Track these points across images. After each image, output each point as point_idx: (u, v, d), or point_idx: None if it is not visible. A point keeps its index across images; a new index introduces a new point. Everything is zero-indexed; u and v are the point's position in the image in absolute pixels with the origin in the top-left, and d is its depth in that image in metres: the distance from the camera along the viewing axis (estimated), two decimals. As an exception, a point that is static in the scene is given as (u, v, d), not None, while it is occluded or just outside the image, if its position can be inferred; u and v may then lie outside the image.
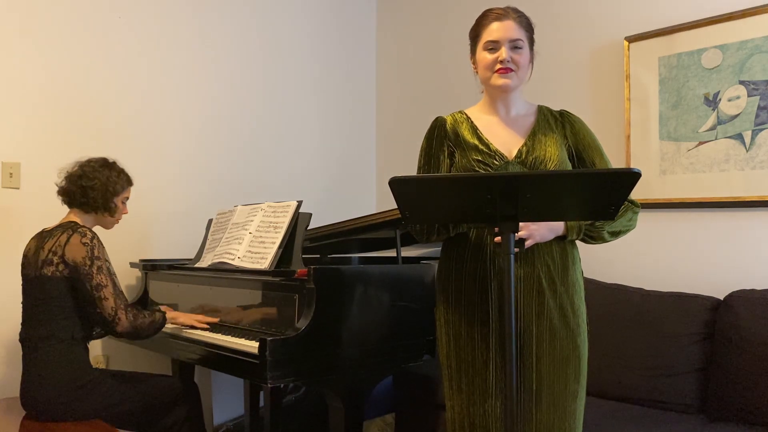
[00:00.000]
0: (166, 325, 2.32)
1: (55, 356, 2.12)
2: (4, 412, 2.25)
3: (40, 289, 2.16)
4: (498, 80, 1.74)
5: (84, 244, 2.15)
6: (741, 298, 2.32)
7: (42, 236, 2.23)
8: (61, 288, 2.15)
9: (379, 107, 4.10)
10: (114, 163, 2.37)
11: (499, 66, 1.72)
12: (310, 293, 2.08)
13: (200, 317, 2.44)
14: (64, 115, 2.81)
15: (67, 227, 2.20)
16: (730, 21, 2.58)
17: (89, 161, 2.33)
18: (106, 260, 2.19)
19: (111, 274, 2.18)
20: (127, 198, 2.40)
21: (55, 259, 2.14)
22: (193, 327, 2.40)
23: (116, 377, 2.28)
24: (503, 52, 1.71)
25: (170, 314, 2.38)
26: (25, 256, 2.26)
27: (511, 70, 1.73)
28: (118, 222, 2.40)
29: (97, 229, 2.36)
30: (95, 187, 2.27)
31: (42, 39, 2.75)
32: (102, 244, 2.20)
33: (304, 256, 2.40)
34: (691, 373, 2.37)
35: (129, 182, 2.40)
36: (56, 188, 2.32)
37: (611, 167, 1.83)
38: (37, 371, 2.11)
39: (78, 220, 2.28)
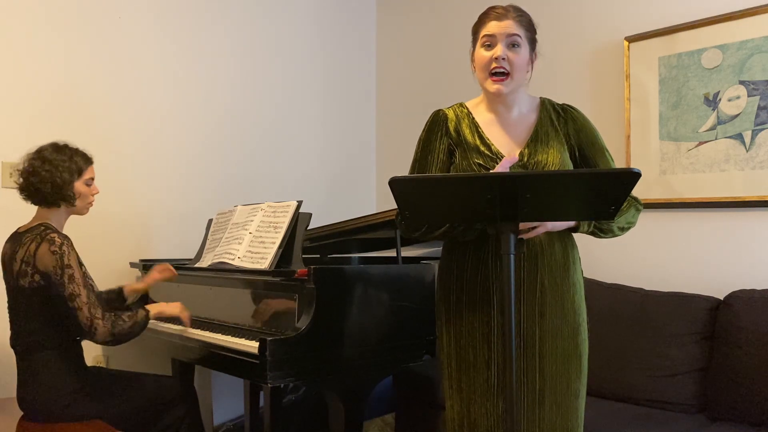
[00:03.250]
0: (154, 320, 2.25)
1: (46, 364, 2.08)
2: (2, 413, 2.25)
3: (19, 299, 2.11)
4: (492, 86, 1.71)
5: (53, 252, 2.04)
6: (741, 298, 2.32)
7: (15, 239, 2.14)
8: (39, 298, 2.08)
9: (379, 107, 4.10)
10: (65, 146, 2.17)
11: (494, 65, 1.68)
12: (310, 293, 2.08)
13: (185, 312, 2.36)
14: (65, 115, 2.81)
15: (36, 233, 2.09)
16: (730, 21, 2.58)
17: (38, 152, 2.15)
18: (80, 264, 2.09)
19: (85, 280, 2.07)
20: (92, 178, 2.21)
21: (29, 270, 2.06)
22: (179, 316, 2.33)
23: (114, 377, 2.28)
24: (498, 49, 1.68)
25: (154, 310, 2.24)
26: (2, 260, 2.17)
27: (506, 74, 1.69)
28: (91, 204, 2.24)
29: (82, 221, 2.26)
30: (45, 180, 2.10)
31: (42, 39, 2.75)
32: (72, 249, 2.08)
33: (304, 256, 2.40)
34: (691, 373, 2.37)
35: (86, 161, 2.20)
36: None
37: (614, 166, 1.82)
38: (31, 377, 2.09)
39: (48, 218, 2.17)
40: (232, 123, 3.39)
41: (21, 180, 2.16)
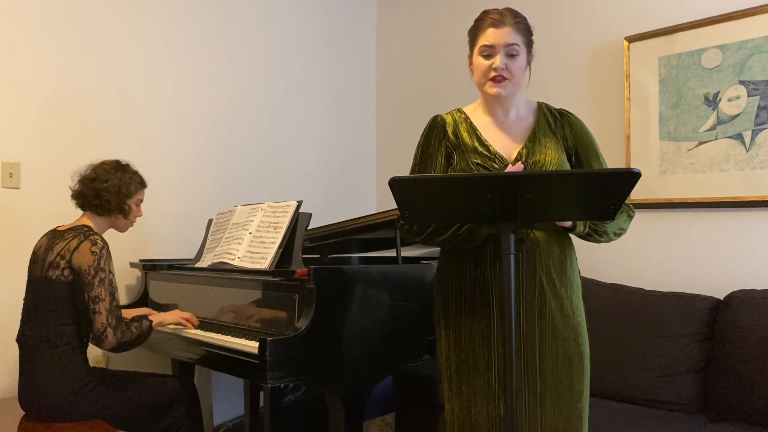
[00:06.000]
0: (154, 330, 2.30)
1: (51, 362, 2.10)
2: (3, 412, 2.25)
3: (41, 290, 2.15)
4: (491, 89, 1.72)
5: (93, 252, 2.13)
6: (741, 298, 2.32)
7: (54, 236, 2.21)
8: (62, 293, 2.13)
9: (379, 107, 4.10)
10: (127, 165, 2.36)
11: (493, 74, 1.70)
12: (310, 293, 2.08)
13: (185, 314, 2.41)
14: (64, 115, 2.81)
15: (80, 232, 2.18)
16: (730, 21, 2.58)
17: (102, 163, 2.32)
18: (111, 272, 2.16)
19: (112, 288, 2.14)
20: (141, 200, 2.38)
21: (62, 263, 2.13)
22: (179, 324, 2.38)
23: (115, 377, 2.28)
24: (497, 60, 1.69)
25: (156, 320, 2.31)
26: (34, 252, 2.24)
27: (505, 79, 1.70)
28: (132, 225, 2.39)
29: (109, 232, 2.35)
30: (108, 189, 2.26)
31: (42, 39, 2.75)
32: (110, 255, 2.17)
33: (304, 256, 2.40)
34: (691, 373, 2.37)
35: (142, 184, 2.38)
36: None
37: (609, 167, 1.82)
38: (34, 375, 2.10)
39: (91, 224, 2.27)
40: (232, 123, 3.39)
41: (78, 185, 2.29)
